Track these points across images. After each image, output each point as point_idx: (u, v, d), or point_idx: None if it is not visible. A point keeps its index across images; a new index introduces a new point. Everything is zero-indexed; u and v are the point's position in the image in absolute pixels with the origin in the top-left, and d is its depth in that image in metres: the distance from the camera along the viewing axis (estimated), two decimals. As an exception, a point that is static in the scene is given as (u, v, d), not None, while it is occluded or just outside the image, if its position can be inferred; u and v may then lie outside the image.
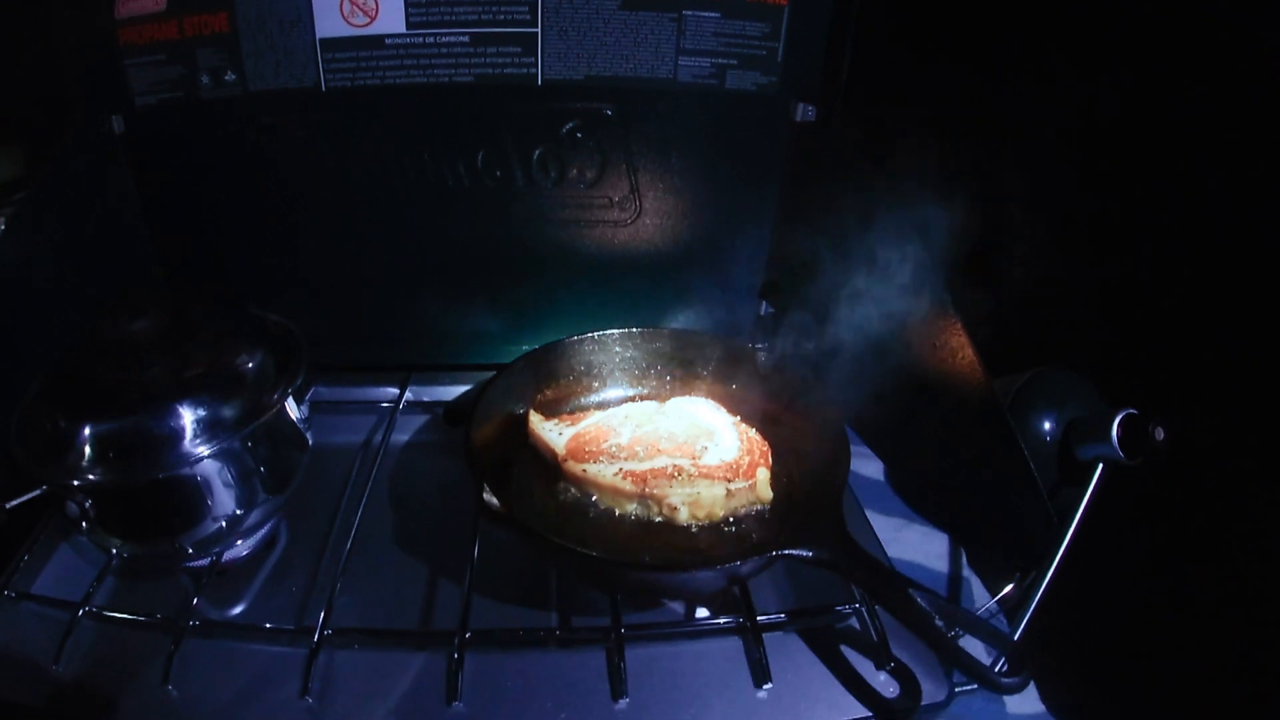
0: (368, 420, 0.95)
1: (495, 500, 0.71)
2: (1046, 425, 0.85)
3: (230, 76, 0.85)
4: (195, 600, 0.71)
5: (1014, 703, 0.80)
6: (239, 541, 0.77)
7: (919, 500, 0.92)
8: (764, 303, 1.04)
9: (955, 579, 0.85)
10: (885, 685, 0.68)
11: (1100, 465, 0.81)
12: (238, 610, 0.75)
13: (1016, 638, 0.73)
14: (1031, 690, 0.78)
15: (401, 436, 0.94)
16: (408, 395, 0.97)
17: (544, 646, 0.71)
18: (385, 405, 0.96)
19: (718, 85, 0.89)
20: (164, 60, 0.84)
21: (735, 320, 1.03)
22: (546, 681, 0.67)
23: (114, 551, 0.74)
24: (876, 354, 0.89)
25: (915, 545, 0.89)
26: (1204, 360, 0.81)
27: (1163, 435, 0.77)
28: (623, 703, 0.65)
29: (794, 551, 0.66)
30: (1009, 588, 0.78)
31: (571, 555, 0.68)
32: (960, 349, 0.78)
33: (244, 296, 0.83)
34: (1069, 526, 0.79)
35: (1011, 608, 0.78)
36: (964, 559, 0.88)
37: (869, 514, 0.88)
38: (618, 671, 0.66)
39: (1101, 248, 0.89)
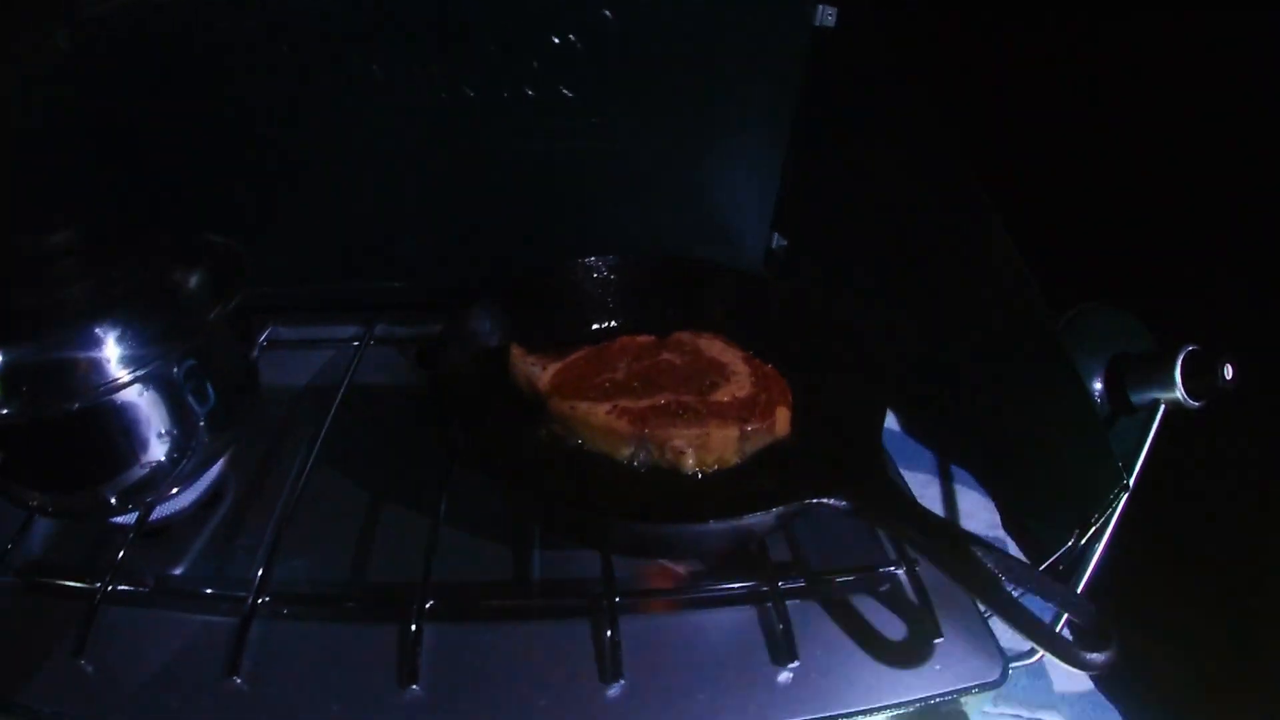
0: (333, 362, 0.77)
1: (464, 436, 0.54)
2: (1090, 366, 0.69)
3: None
4: (120, 556, 0.55)
5: (1060, 680, 0.64)
6: (174, 491, 0.60)
7: (948, 453, 0.75)
8: (775, 234, 0.87)
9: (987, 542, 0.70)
10: (931, 663, 0.52)
11: (1161, 409, 0.65)
12: (175, 573, 0.58)
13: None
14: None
15: (368, 378, 0.75)
16: (377, 332, 0.79)
17: (522, 618, 0.54)
18: (352, 345, 0.78)
19: (728, -17, 0.71)
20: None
21: (744, 252, 0.86)
22: (524, 660, 0.51)
23: (33, 505, 0.58)
24: (911, 291, 0.72)
25: (941, 504, 0.73)
26: (1266, 292, 0.65)
27: (1232, 374, 0.61)
28: (616, 687, 0.49)
29: (829, 501, 0.50)
30: (1062, 550, 0.62)
31: (554, 505, 0.52)
32: (1012, 280, 0.61)
33: (203, 225, 0.65)
34: (1129, 477, 0.63)
35: (1061, 574, 0.62)
36: (999, 521, 0.72)
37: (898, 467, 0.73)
38: (610, 648, 0.50)
39: (1144, 175, 0.73)
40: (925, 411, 0.77)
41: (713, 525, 0.50)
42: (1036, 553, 0.69)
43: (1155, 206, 0.73)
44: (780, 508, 0.49)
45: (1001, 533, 0.72)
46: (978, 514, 0.73)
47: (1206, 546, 0.68)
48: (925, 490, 0.74)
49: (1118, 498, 0.61)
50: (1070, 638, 0.45)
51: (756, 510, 0.49)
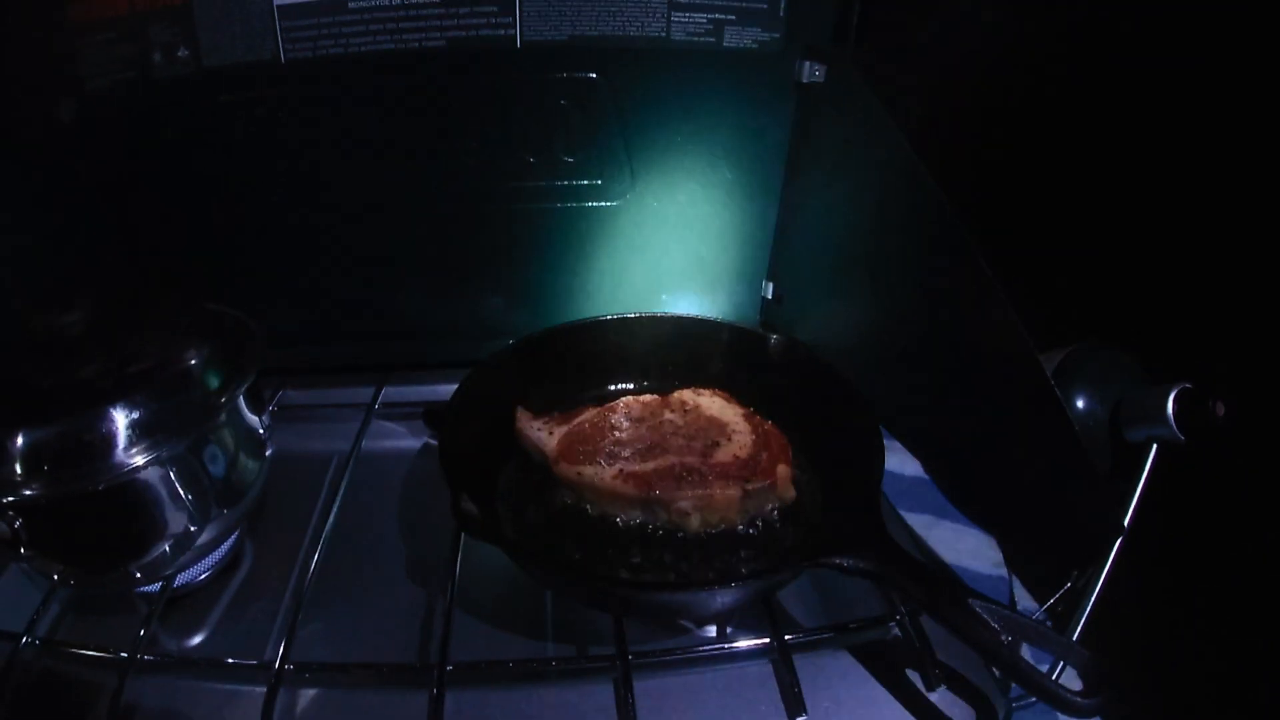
0: (343, 426, 0.79)
1: (474, 508, 0.56)
2: (1087, 405, 0.71)
3: (183, 52, 0.71)
4: (143, 631, 0.56)
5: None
6: (194, 563, 0.62)
7: (954, 494, 0.77)
8: (770, 284, 0.89)
9: (992, 581, 0.71)
10: (938, 708, 0.54)
11: (1154, 448, 0.67)
12: (197, 641, 0.60)
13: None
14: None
15: (378, 442, 0.78)
16: (384, 396, 0.81)
17: (539, 680, 0.56)
18: (361, 408, 0.80)
19: (715, 44, 0.74)
20: (114, 39, 0.70)
21: (741, 304, 0.89)
22: (544, 721, 0.53)
23: (57, 578, 0.59)
24: (904, 335, 0.74)
25: (946, 543, 0.74)
26: (1258, 328, 0.66)
27: (1223, 410, 0.63)
28: (635, 747, 0.51)
29: (830, 560, 0.52)
30: (1060, 593, 0.64)
31: (559, 572, 0.54)
32: (1003, 324, 0.63)
33: (211, 293, 0.67)
34: (1125, 517, 0.65)
35: (1061, 614, 0.64)
36: (1002, 559, 0.73)
37: (899, 511, 0.74)
38: (626, 706, 0.51)
39: (1134, 212, 0.75)
40: (933, 458, 0.79)
41: (714, 592, 0.51)
42: (1043, 591, 0.70)
43: (1153, 243, 0.75)
44: (784, 570, 0.51)
45: (1005, 571, 0.73)
46: (982, 552, 0.74)
47: (1207, 583, 0.69)
48: (929, 532, 0.75)
49: (1112, 540, 0.62)
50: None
51: (758, 575, 0.51)
